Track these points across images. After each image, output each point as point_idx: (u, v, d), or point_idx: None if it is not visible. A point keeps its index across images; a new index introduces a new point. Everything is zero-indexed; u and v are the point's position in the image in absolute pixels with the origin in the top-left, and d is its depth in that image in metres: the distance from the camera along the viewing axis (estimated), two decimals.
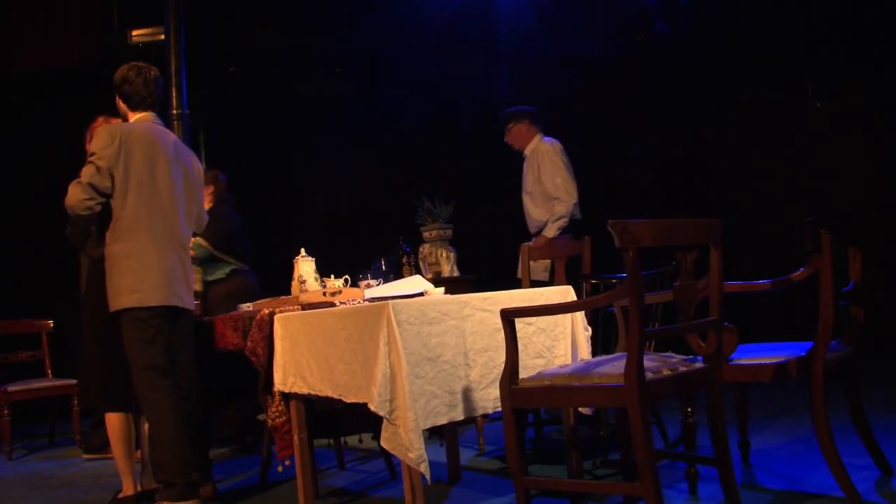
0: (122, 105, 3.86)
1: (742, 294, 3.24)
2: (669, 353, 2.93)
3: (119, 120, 3.99)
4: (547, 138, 5.51)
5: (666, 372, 2.69)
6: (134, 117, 3.82)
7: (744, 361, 3.07)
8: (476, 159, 6.26)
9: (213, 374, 3.96)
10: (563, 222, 5.24)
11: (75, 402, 5.84)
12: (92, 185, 3.55)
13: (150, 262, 3.59)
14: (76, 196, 3.56)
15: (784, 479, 3.46)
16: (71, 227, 3.91)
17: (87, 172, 3.59)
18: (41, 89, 7.60)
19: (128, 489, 3.94)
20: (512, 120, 5.54)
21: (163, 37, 6.77)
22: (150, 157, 3.67)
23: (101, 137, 3.64)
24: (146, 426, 3.76)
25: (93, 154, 3.62)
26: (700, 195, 7.78)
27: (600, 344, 4.03)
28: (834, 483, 2.94)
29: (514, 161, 5.72)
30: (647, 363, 2.59)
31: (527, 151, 5.54)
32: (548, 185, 5.33)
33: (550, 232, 5.24)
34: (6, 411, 5.83)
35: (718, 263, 2.79)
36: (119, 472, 3.96)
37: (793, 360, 2.98)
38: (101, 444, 5.55)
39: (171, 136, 3.86)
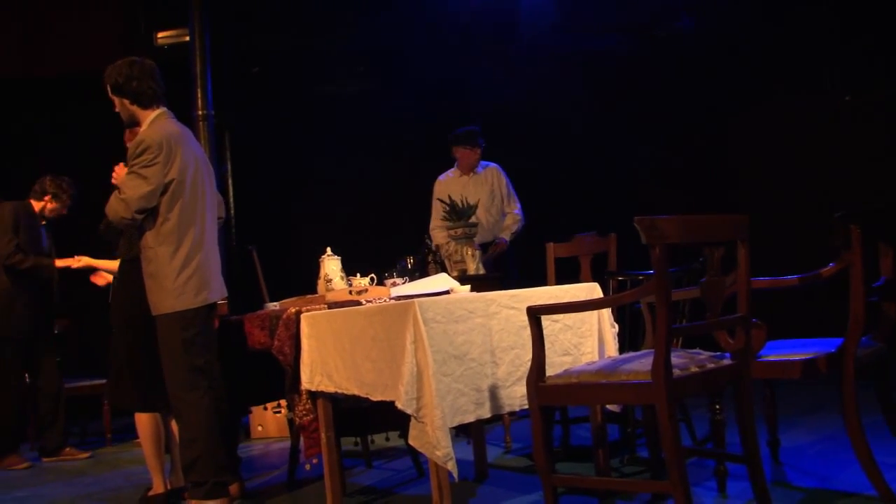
0: (131, 107, 3.67)
1: (770, 290, 3.21)
2: (697, 350, 2.91)
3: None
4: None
5: (694, 369, 2.67)
6: (151, 115, 3.67)
7: (772, 358, 3.05)
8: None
9: (241, 373, 3.98)
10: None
11: (105, 401, 5.90)
12: (138, 210, 3.49)
13: (191, 264, 3.58)
14: (118, 213, 3.51)
15: (815, 477, 3.43)
16: (105, 226, 3.89)
17: (132, 187, 3.49)
18: (69, 92, 7.69)
19: (158, 487, 3.98)
20: (474, 142, 5.98)
21: (187, 38, 6.82)
22: (187, 158, 3.63)
23: (149, 148, 3.52)
24: (174, 425, 3.81)
25: (137, 164, 3.52)
26: (725, 191, 7.71)
27: (627, 341, 4.01)
28: (866, 481, 2.91)
29: (534, 160, 5.83)
30: (674, 360, 2.58)
31: (479, 170, 6.03)
32: (513, 203, 6.01)
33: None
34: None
35: (746, 259, 2.77)
36: (149, 469, 4.01)
37: (822, 356, 2.96)
38: (54, 448, 5.61)
39: (188, 129, 3.80)
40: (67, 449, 5.66)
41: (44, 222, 5.68)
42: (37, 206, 5.64)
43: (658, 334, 2.47)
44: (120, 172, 3.72)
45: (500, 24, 7.60)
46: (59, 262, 5.54)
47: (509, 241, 5.92)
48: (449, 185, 5.95)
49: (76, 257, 5.55)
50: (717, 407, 3.14)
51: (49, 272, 5.54)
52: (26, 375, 5.68)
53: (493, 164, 6.06)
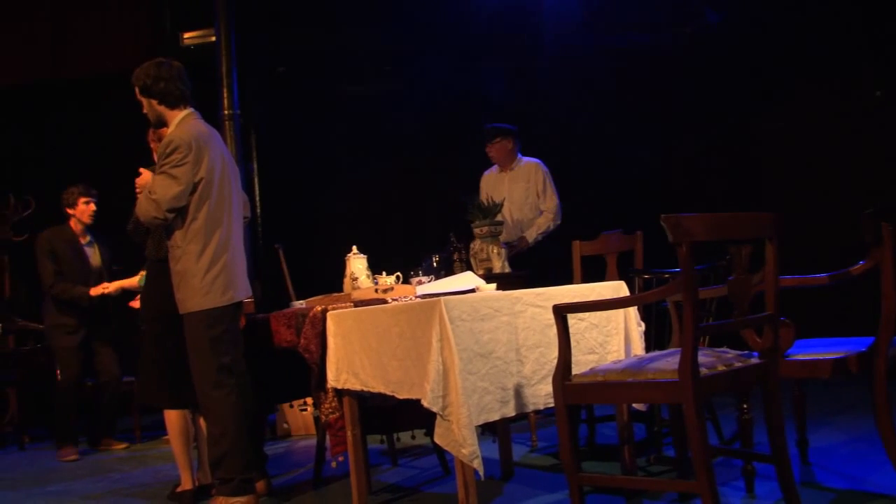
0: (158, 107, 3.70)
1: (799, 288, 3.18)
2: (724, 349, 2.89)
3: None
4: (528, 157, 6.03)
5: (721, 367, 2.65)
6: (179, 116, 3.70)
7: (801, 357, 3.02)
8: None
9: (268, 371, 4.00)
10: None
11: (135, 398, 5.98)
12: (170, 209, 3.52)
13: (218, 263, 3.60)
14: (148, 213, 3.54)
15: (845, 478, 3.39)
16: (134, 225, 3.93)
17: (163, 188, 3.51)
18: (97, 93, 7.77)
19: (186, 483, 4.02)
20: (500, 135, 5.90)
21: (213, 39, 6.87)
22: (215, 157, 3.65)
23: (178, 148, 3.54)
24: (202, 422, 3.84)
25: (167, 164, 3.54)
26: (752, 188, 7.65)
27: (653, 340, 3.99)
28: None
29: (559, 158, 5.80)
30: (701, 359, 2.56)
31: (514, 166, 5.97)
32: (548, 201, 5.89)
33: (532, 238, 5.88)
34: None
35: (774, 257, 2.74)
36: (177, 466, 4.05)
37: (853, 355, 2.92)
38: (98, 438, 5.85)
39: (215, 129, 3.83)
40: (108, 439, 5.84)
41: (87, 239, 5.89)
42: (73, 223, 5.86)
43: (685, 333, 2.46)
44: (143, 178, 3.75)
45: (524, 22, 7.58)
46: (94, 291, 5.70)
47: (538, 239, 5.84)
48: (488, 181, 6.03)
49: (104, 284, 5.73)
50: (745, 406, 3.11)
51: (84, 301, 5.72)
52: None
53: (534, 160, 5.99)
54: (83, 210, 5.82)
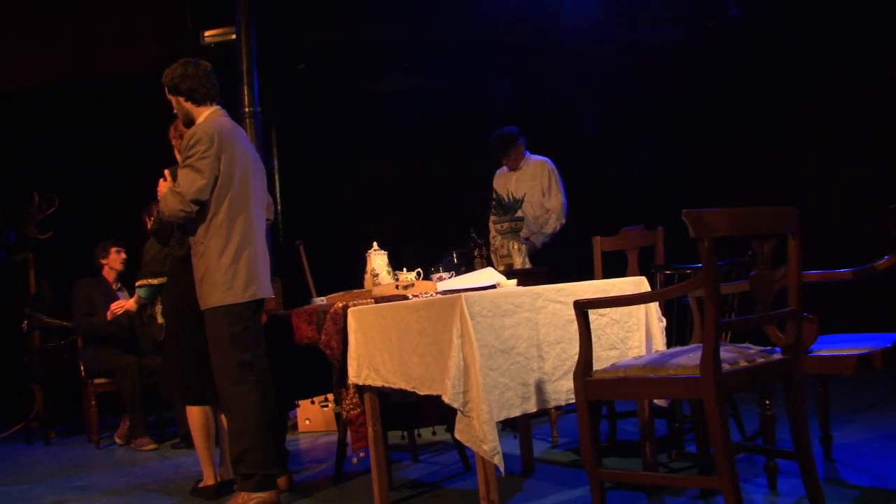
0: (185, 104, 3.74)
1: (822, 284, 3.15)
2: (747, 345, 2.87)
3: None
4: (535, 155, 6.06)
5: (743, 363, 2.63)
6: (206, 112, 3.74)
7: (825, 353, 2.99)
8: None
9: (288, 367, 4.02)
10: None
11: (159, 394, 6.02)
12: (194, 201, 3.54)
13: (240, 259, 3.62)
14: (174, 206, 3.56)
15: (870, 475, 3.35)
16: (158, 224, 3.94)
17: (187, 181, 3.54)
18: (118, 91, 7.83)
19: (208, 479, 4.05)
20: (509, 145, 5.98)
21: (234, 36, 6.89)
22: (238, 153, 3.67)
23: (200, 140, 3.57)
24: (224, 418, 3.86)
25: (191, 157, 3.57)
26: (775, 183, 7.59)
27: (675, 335, 3.97)
28: None
29: (578, 156, 5.78)
30: (723, 354, 2.55)
31: (522, 165, 6.02)
32: (553, 199, 5.90)
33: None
34: (93, 402, 6.06)
35: (797, 253, 2.72)
36: (199, 461, 4.08)
37: (878, 351, 2.90)
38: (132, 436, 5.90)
39: (240, 128, 3.87)
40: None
41: (118, 286, 6.37)
42: (106, 271, 6.39)
43: (707, 328, 2.44)
44: (163, 185, 3.77)
45: (544, 18, 7.55)
46: (109, 315, 5.88)
47: (545, 241, 5.88)
48: (499, 179, 6.09)
49: (118, 303, 5.88)
50: (768, 402, 3.10)
51: (106, 330, 6.02)
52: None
53: (542, 158, 6.03)
54: (115, 259, 6.38)
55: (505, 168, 6.10)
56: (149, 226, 4.13)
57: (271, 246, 4.90)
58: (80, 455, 5.80)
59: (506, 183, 5.95)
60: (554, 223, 5.89)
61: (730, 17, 7.37)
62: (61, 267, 7.26)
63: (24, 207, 7.38)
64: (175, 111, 3.83)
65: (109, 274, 6.38)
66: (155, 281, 4.73)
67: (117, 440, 6.11)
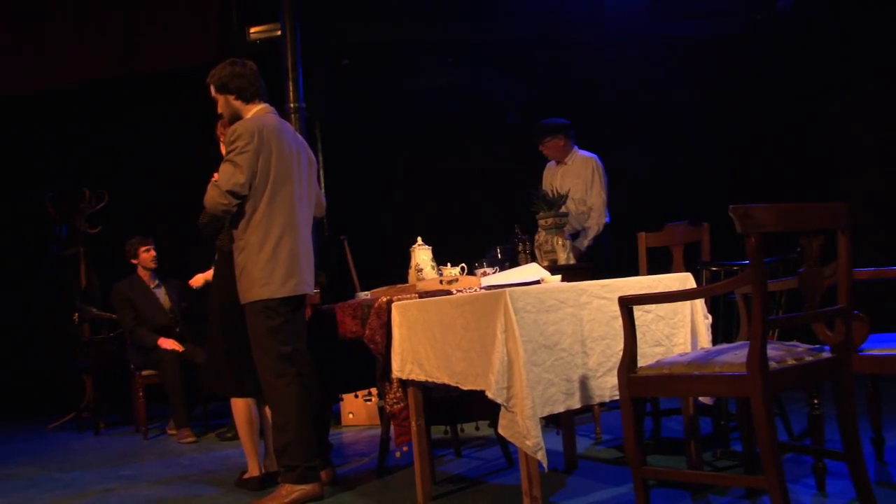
0: (234, 102, 3.78)
1: (873, 281, 3.09)
2: (794, 343, 2.83)
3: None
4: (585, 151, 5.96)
5: (791, 361, 2.60)
6: (253, 110, 3.79)
7: (876, 352, 2.94)
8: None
9: (333, 361, 4.05)
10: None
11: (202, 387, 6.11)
12: (231, 192, 3.59)
13: (281, 254, 3.66)
14: (214, 200, 3.62)
15: None
16: (204, 218, 3.98)
17: (226, 174, 3.60)
18: (164, 89, 7.94)
19: (253, 470, 4.10)
20: (549, 134, 5.89)
21: (279, 33, 6.95)
22: (281, 150, 3.71)
23: (241, 136, 3.62)
24: (268, 410, 3.90)
25: (231, 152, 3.62)
26: (824, 178, 7.46)
27: (721, 332, 3.93)
28: None
29: (624, 148, 5.71)
30: (770, 352, 2.51)
31: (569, 160, 5.91)
32: (594, 197, 5.80)
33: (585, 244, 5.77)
34: (141, 394, 6.17)
35: (847, 249, 2.67)
36: (244, 453, 4.13)
37: None
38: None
39: (290, 125, 3.91)
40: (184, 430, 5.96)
41: (154, 283, 6.44)
42: (140, 270, 6.45)
43: (754, 325, 2.42)
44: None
45: (588, 11, 7.50)
46: (163, 344, 6.05)
47: (591, 245, 5.75)
48: (547, 173, 6.06)
49: (172, 342, 6.06)
50: (816, 402, 3.05)
51: (150, 342, 6.12)
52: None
53: (589, 155, 5.93)
54: (145, 258, 6.43)
55: (553, 163, 6.04)
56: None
57: (316, 240, 4.95)
58: (128, 445, 5.92)
59: (552, 178, 5.92)
60: (593, 220, 5.77)
61: (777, 10, 7.26)
62: (110, 261, 7.40)
63: (75, 202, 7.53)
64: (220, 110, 3.87)
65: (143, 272, 6.43)
66: None
67: (169, 432, 6.20)
